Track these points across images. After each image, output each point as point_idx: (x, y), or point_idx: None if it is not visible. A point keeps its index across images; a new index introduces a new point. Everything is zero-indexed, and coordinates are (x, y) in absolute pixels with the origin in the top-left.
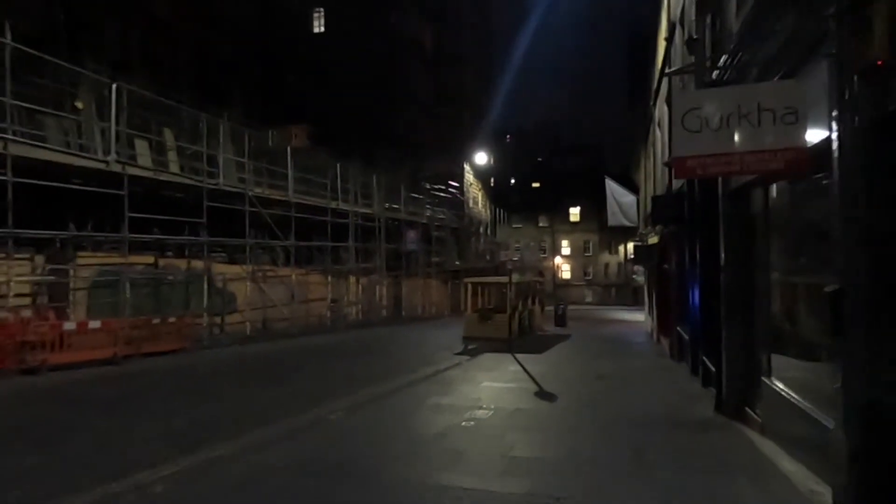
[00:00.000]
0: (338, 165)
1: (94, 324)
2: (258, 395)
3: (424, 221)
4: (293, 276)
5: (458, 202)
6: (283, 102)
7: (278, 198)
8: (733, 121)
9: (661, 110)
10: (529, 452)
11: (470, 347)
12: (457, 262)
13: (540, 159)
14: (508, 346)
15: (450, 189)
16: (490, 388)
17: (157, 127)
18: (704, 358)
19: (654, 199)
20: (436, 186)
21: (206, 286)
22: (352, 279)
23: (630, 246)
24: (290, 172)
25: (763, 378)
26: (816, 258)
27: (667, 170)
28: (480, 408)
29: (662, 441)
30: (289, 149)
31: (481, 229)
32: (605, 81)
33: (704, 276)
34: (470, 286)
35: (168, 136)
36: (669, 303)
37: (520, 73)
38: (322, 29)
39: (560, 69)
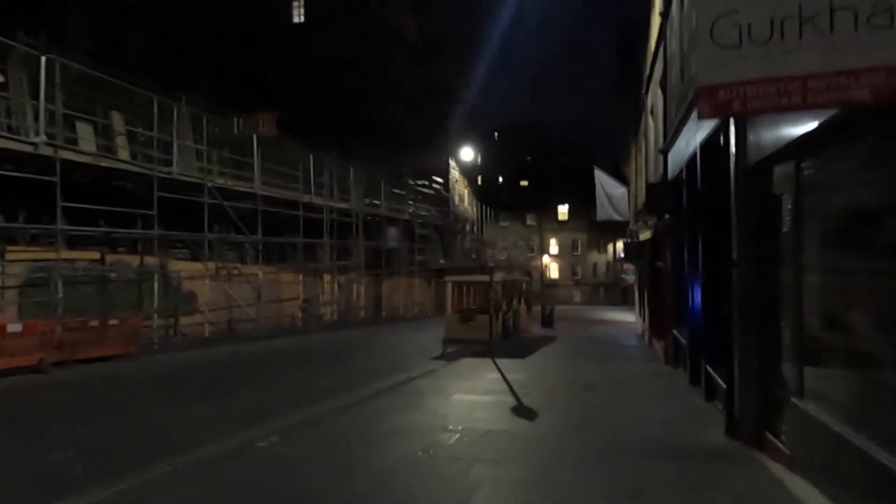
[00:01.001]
0: (311, 157)
1: (15, 327)
2: (186, 412)
3: (406, 218)
4: (260, 275)
5: (442, 199)
6: (252, 89)
7: (243, 190)
8: (790, 28)
9: (654, 96)
10: (497, 498)
11: (449, 351)
12: (441, 261)
13: (528, 158)
14: (489, 349)
15: (434, 185)
16: (461, 403)
17: (105, 109)
18: (708, 367)
19: (649, 186)
20: (419, 182)
21: (157, 285)
22: (327, 278)
23: (620, 244)
24: (256, 162)
25: (792, 398)
26: (877, 250)
27: (661, 158)
28: (446, 429)
29: (666, 477)
30: (255, 137)
31: (467, 227)
32: (593, 77)
33: (708, 273)
34: (452, 285)
35: (117, 119)
36: (663, 303)
37: (507, 71)
38: (302, 19)
39: (548, 66)
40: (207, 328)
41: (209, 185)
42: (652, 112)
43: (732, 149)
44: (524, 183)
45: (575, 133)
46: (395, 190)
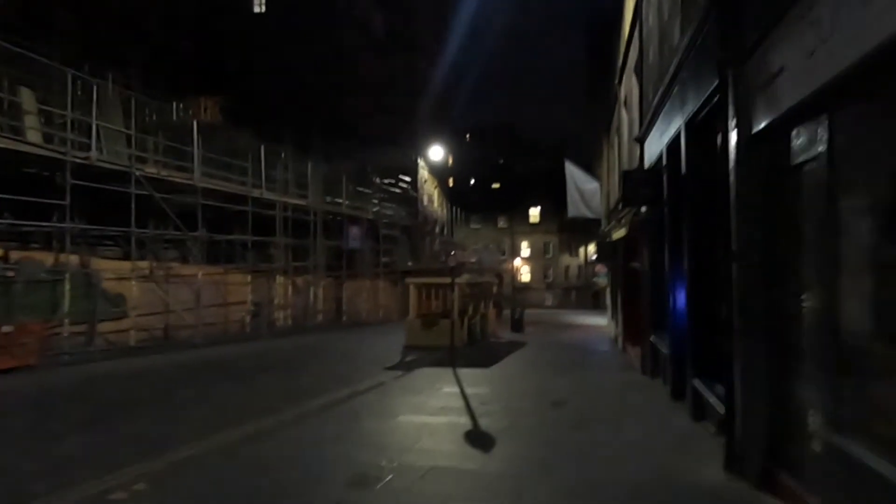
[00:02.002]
0: (262, 148)
1: None
2: (47, 446)
3: (370, 217)
4: (199, 275)
5: (410, 199)
6: (200, 74)
7: (181, 181)
8: None
9: (628, 85)
10: None
11: (408, 359)
12: (409, 263)
13: (501, 161)
14: (451, 357)
15: (401, 184)
16: (406, 427)
17: (12, 85)
18: (696, 382)
19: (626, 173)
20: (385, 181)
21: (69, 286)
22: (281, 280)
23: (592, 247)
24: (196, 151)
25: (821, 430)
26: None
27: (637, 149)
28: (377, 466)
29: None
30: (195, 123)
31: (437, 229)
32: (565, 78)
33: (695, 272)
34: (414, 288)
35: (26, 96)
36: (639, 307)
37: (478, 72)
38: (263, 9)
39: (519, 68)
40: (135, 336)
41: (137, 174)
42: (626, 103)
43: (731, 114)
44: (496, 185)
45: (546, 135)
46: (359, 188)
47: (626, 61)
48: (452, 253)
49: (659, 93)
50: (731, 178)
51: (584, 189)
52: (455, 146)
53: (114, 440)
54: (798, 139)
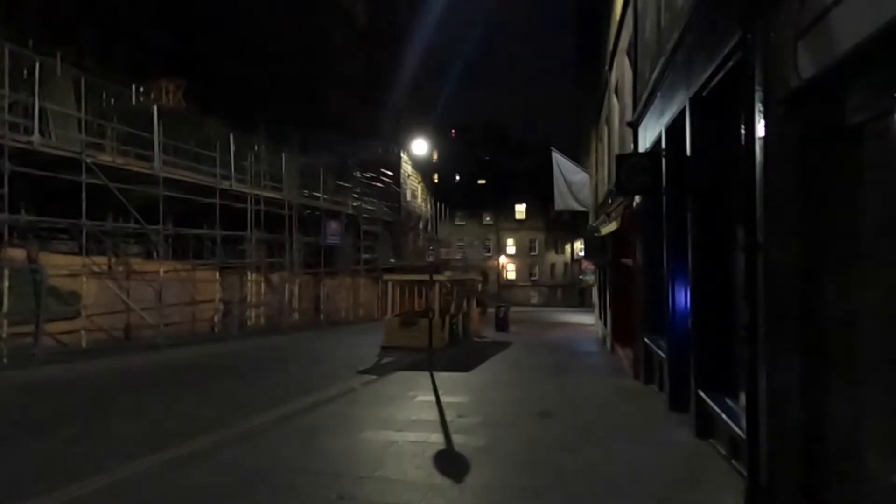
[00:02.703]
0: (231, 136)
1: None
2: None
3: (350, 212)
4: (161, 272)
5: (393, 194)
6: (162, 55)
7: (139, 170)
8: None
9: (620, 69)
10: None
11: (384, 361)
12: (392, 260)
13: (487, 157)
14: (429, 361)
15: (383, 179)
16: (369, 447)
17: None
18: (702, 394)
19: (620, 159)
20: (367, 175)
21: (7, 283)
22: (253, 277)
23: (578, 244)
24: (156, 138)
25: (878, 467)
26: None
27: (631, 134)
28: (326, 501)
29: None
30: (156, 108)
31: (421, 225)
32: (551, 75)
33: (702, 267)
34: (392, 285)
35: None
36: (629, 306)
37: (465, 67)
38: None
39: (506, 63)
40: (87, 337)
41: (88, 161)
42: (617, 89)
43: (759, 73)
44: (482, 181)
45: (533, 132)
46: (339, 182)
47: (618, 43)
48: (432, 248)
49: (658, 68)
50: (758, 153)
51: (572, 181)
52: (440, 142)
53: (14, 465)
54: (858, 92)
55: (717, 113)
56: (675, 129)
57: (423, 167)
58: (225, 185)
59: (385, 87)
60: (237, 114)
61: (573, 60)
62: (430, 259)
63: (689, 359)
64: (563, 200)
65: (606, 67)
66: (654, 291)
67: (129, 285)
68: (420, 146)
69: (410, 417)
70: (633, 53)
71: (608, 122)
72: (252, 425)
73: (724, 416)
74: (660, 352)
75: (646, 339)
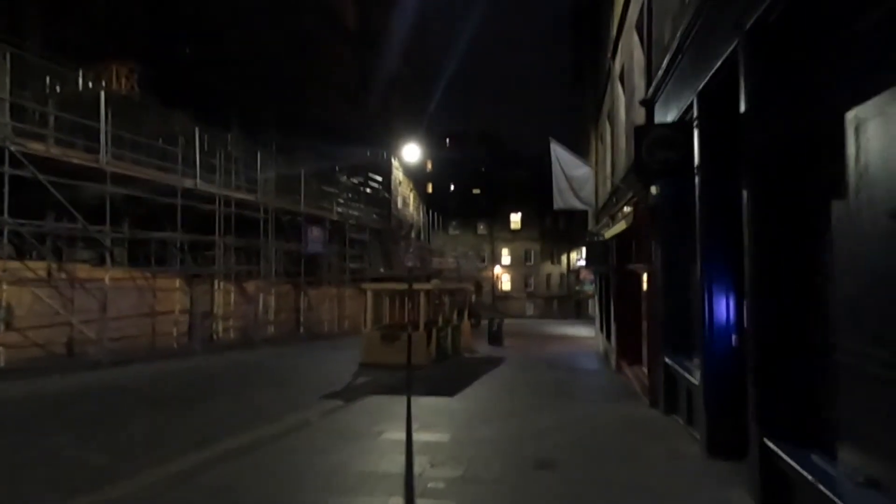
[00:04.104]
0: (197, 130)
1: None
2: None
3: (335, 218)
4: (106, 279)
5: (383, 201)
6: (117, 39)
7: (80, 162)
8: None
9: (626, 50)
10: None
11: (359, 382)
12: (381, 270)
13: (483, 169)
14: (407, 383)
15: (371, 184)
16: None
17: None
18: (770, 444)
19: (640, 130)
20: (355, 180)
21: None
22: (222, 286)
23: (574, 255)
24: (103, 127)
25: None
26: None
27: (643, 118)
28: None
29: None
30: (102, 94)
31: (413, 234)
32: (546, 84)
33: (769, 264)
34: (372, 295)
35: None
36: (638, 318)
37: (459, 77)
38: None
39: (501, 72)
40: (7, 354)
41: (12, 148)
42: (623, 75)
43: None
44: (476, 191)
45: (529, 142)
46: (323, 187)
47: (624, 22)
48: (411, 250)
49: (687, 19)
50: None
51: (574, 175)
52: (435, 152)
53: None
54: None
55: (788, 49)
56: (713, 91)
57: (416, 175)
58: (189, 184)
59: (376, 91)
60: (208, 109)
61: (570, 60)
62: (409, 264)
63: (735, 389)
64: (563, 199)
65: (609, 55)
66: (678, 301)
67: (75, 295)
68: (412, 152)
69: (367, 468)
70: (644, 23)
71: (611, 117)
72: (143, 482)
73: (813, 479)
74: (688, 376)
75: (667, 360)
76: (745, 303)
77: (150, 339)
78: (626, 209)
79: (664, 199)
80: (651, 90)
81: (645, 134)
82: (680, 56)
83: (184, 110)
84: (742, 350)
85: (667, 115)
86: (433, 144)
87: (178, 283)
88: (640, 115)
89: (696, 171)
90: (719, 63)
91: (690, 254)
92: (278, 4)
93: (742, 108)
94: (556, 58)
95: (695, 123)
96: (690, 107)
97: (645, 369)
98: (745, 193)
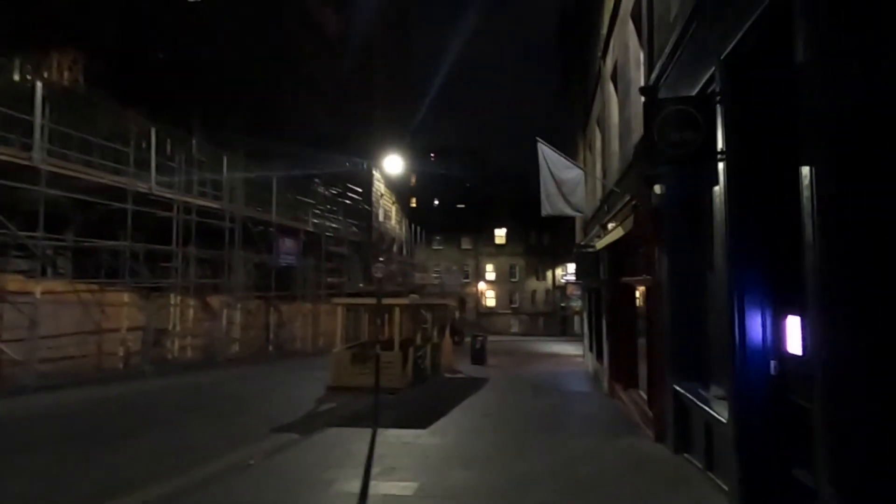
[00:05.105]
0: (153, 130)
1: None
2: None
3: (311, 230)
4: (37, 294)
5: (364, 213)
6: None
7: (6, 159)
8: None
9: (620, 44)
10: None
11: (322, 409)
12: (360, 285)
13: (468, 184)
14: (373, 415)
15: (350, 195)
16: None
17: None
18: None
19: (650, 105)
20: (333, 190)
21: None
22: (183, 301)
23: (560, 271)
24: (37, 121)
25: None
26: None
27: (642, 104)
28: None
29: None
30: (39, 85)
31: (395, 248)
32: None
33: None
34: (343, 311)
35: None
36: (633, 336)
37: (446, 92)
38: None
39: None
40: None
41: None
42: (615, 72)
43: None
44: (461, 206)
45: (512, 159)
46: (298, 196)
47: (616, 17)
48: (381, 260)
49: None
50: None
51: (563, 178)
52: (419, 166)
53: None
54: None
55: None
56: (745, 55)
57: (399, 189)
58: (142, 187)
59: (357, 101)
60: (170, 110)
61: (557, 69)
62: (378, 275)
63: (775, 428)
64: (552, 204)
65: (599, 55)
66: (689, 318)
67: (4, 310)
68: (394, 164)
69: None
70: (644, 5)
71: (600, 122)
72: None
73: None
74: (706, 409)
75: (676, 387)
76: (808, 316)
77: (95, 360)
78: (624, 214)
79: (671, 199)
80: (654, 74)
81: (657, 109)
82: (695, 23)
83: (140, 109)
84: (782, 380)
85: (682, 87)
86: (417, 158)
87: (126, 297)
88: (637, 113)
89: (720, 156)
90: (758, 12)
91: (705, 261)
92: (256, 6)
93: (800, 56)
94: (543, 76)
95: (718, 98)
96: (709, 82)
97: (643, 394)
98: (806, 173)
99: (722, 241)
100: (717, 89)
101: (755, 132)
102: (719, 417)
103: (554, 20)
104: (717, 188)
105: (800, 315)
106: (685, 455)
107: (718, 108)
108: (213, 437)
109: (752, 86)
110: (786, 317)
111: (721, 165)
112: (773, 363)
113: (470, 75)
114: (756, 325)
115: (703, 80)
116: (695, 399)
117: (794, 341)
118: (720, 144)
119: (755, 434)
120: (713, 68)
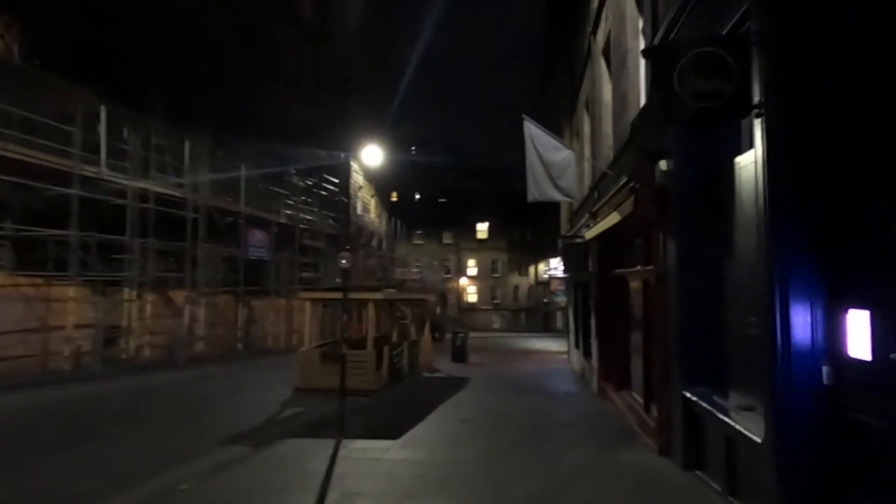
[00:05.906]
0: (103, 109)
1: None
2: None
3: (284, 221)
4: None
5: (341, 206)
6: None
7: None
8: None
9: (615, 14)
10: None
11: (285, 415)
12: (337, 280)
13: (449, 178)
14: (338, 423)
15: (327, 186)
16: None
17: None
18: None
19: (663, 50)
20: (308, 181)
21: None
22: (140, 296)
23: (542, 266)
24: None
25: None
26: None
27: (644, 69)
28: None
29: None
30: None
31: (374, 242)
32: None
33: None
34: (311, 305)
35: None
36: (626, 334)
37: (428, 87)
38: None
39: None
40: None
41: None
42: (608, 46)
43: None
44: (442, 200)
45: (494, 154)
46: (271, 187)
47: (604, 4)
48: (347, 248)
49: None
50: None
51: (552, 160)
52: (400, 160)
53: None
54: None
55: None
56: None
57: (379, 182)
58: (90, 171)
59: (335, 90)
60: (128, 92)
61: (541, 53)
62: (344, 264)
63: (831, 449)
64: (539, 189)
65: (589, 30)
66: (702, 313)
67: None
68: (373, 154)
69: None
70: None
71: (589, 105)
72: None
73: None
74: (728, 420)
75: (686, 393)
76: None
77: (41, 361)
78: (620, 198)
79: (682, 175)
80: (661, 31)
81: (678, 54)
82: None
83: (93, 89)
84: (838, 390)
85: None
86: (399, 150)
87: (72, 291)
88: (633, 86)
89: (756, 111)
90: None
91: (725, 247)
92: None
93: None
94: (527, 66)
95: (752, 37)
96: (740, 23)
97: (637, 396)
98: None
99: (759, 220)
100: (753, 30)
101: (804, 81)
102: (747, 433)
103: (539, 8)
104: (749, 155)
105: (869, 309)
106: (697, 472)
107: (754, 52)
108: (152, 451)
109: (800, 20)
110: (846, 311)
111: (758, 123)
112: (825, 370)
113: (452, 68)
114: (804, 323)
115: (731, 24)
116: (712, 409)
117: (857, 342)
118: (756, 96)
119: (801, 458)
120: (742, 8)
